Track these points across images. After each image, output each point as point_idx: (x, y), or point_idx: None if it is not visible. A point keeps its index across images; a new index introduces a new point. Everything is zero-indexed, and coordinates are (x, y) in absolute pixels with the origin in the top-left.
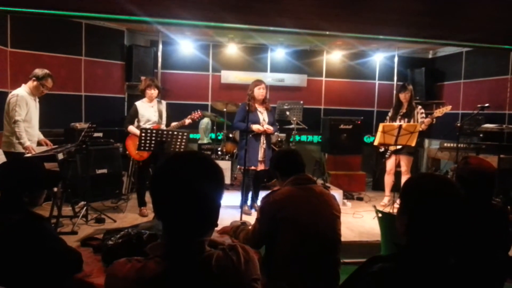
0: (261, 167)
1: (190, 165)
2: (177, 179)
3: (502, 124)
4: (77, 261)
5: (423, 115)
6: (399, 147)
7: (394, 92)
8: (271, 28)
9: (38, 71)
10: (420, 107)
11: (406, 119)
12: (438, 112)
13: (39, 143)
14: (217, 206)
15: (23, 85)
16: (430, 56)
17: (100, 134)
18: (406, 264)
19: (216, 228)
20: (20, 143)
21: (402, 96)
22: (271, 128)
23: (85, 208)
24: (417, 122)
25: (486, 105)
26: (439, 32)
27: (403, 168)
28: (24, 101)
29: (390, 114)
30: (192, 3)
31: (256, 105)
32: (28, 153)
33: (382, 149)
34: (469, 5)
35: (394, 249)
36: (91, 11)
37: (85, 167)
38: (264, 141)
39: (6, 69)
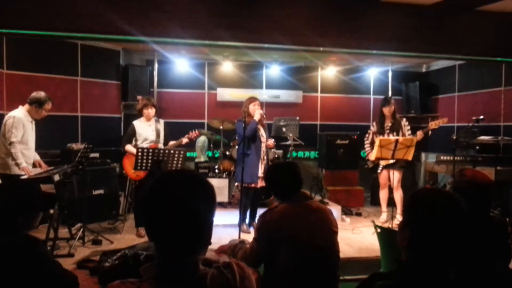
0: (261, 183)
1: (181, 183)
2: (167, 197)
3: (498, 136)
4: (73, 284)
5: (409, 127)
6: (391, 161)
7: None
8: (266, 45)
9: (37, 96)
10: (405, 119)
11: (394, 133)
12: (434, 125)
13: (33, 165)
14: (210, 224)
15: (20, 106)
16: (423, 70)
17: (97, 155)
18: (407, 281)
19: (213, 247)
20: (17, 164)
21: (386, 110)
22: (271, 141)
23: (81, 229)
24: (405, 135)
25: (481, 117)
26: (431, 46)
27: (395, 182)
28: (21, 123)
29: (374, 128)
30: (188, 22)
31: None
32: (24, 174)
33: (371, 165)
34: (460, 19)
35: (394, 265)
36: (87, 31)
37: (82, 188)
38: (265, 157)
39: (2, 91)
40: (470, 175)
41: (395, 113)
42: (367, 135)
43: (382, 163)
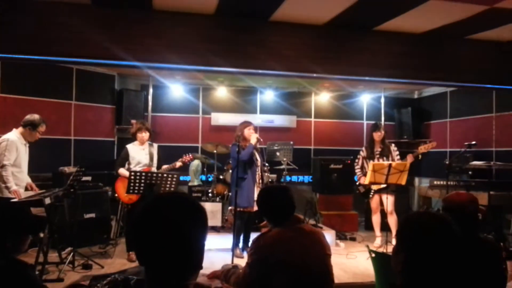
0: (256, 207)
1: (171, 205)
2: (157, 219)
3: (490, 161)
4: None
5: (397, 152)
6: (382, 186)
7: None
8: (261, 71)
9: (31, 118)
10: (393, 145)
11: (384, 158)
12: (423, 148)
13: (25, 188)
14: (201, 248)
15: (14, 129)
16: (415, 96)
17: (89, 178)
18: None
19: (206, 272)
20: (7, 187)
21: (376, 135)
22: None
23: (72, 254)
24: (394, 160)
25: (473, 142)
26: (423, 73)
27: (389, 208)
28: (14, 146)
29: (363, 153)
30: (183, 48)
31: (247, 145)
32: (15, 197)
33: (363, 190)
34: (451, 47)
35: None
36: (83, 57)
37: (73, 211)
38: (260, 181)
39: None
40: (445, 196)
41: (385, 138)
42: (357, 160)
43: (374, 187)
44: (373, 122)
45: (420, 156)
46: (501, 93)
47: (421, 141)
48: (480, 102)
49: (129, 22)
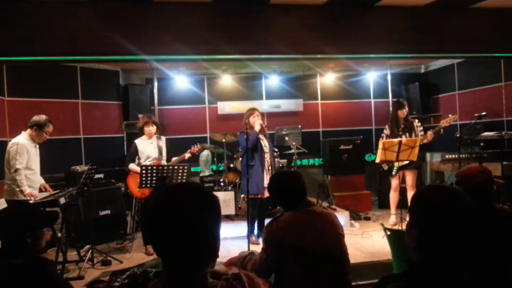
0: (267, 194)
1: (183, 196)
2: (172, 210)
3: (501, 131)
4: None
5: (421, 128)
6: (406, 162)
7: (391, 109)
8: (264, 56)
9: (37, 119)
10: (417, 120)
11: (407, 134)
12: (445, 122)
13: (39, 189)
14: (216, 236)
15: (23, 132)
16: (422, 70)
17: (101, 175)
18: (419, 281)
19: (223, 260)
20: (21, 191)
21: (401, 113)
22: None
23: (90, 251)
24: (418, 136)
25: (483, 113)
26: (428, 46)
27: (409, 182)
28: (25, 149)
29: (386, 131)
30: (188, 38)
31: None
32: (30, 200)
33: (386, 167)
34: (455, 17)
35: (406, 266)
36: (88, 54)
37: (88, 209)
38: (270, 167)
39: (4, 118)
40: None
41: (408, 115)
42: (381, 139)
43: (397, 164)
44: (380, 100)
45: (442, 130)
46: (509, 61)
47: (431, 116)
48: (489, 72)
49: (131, 16)
